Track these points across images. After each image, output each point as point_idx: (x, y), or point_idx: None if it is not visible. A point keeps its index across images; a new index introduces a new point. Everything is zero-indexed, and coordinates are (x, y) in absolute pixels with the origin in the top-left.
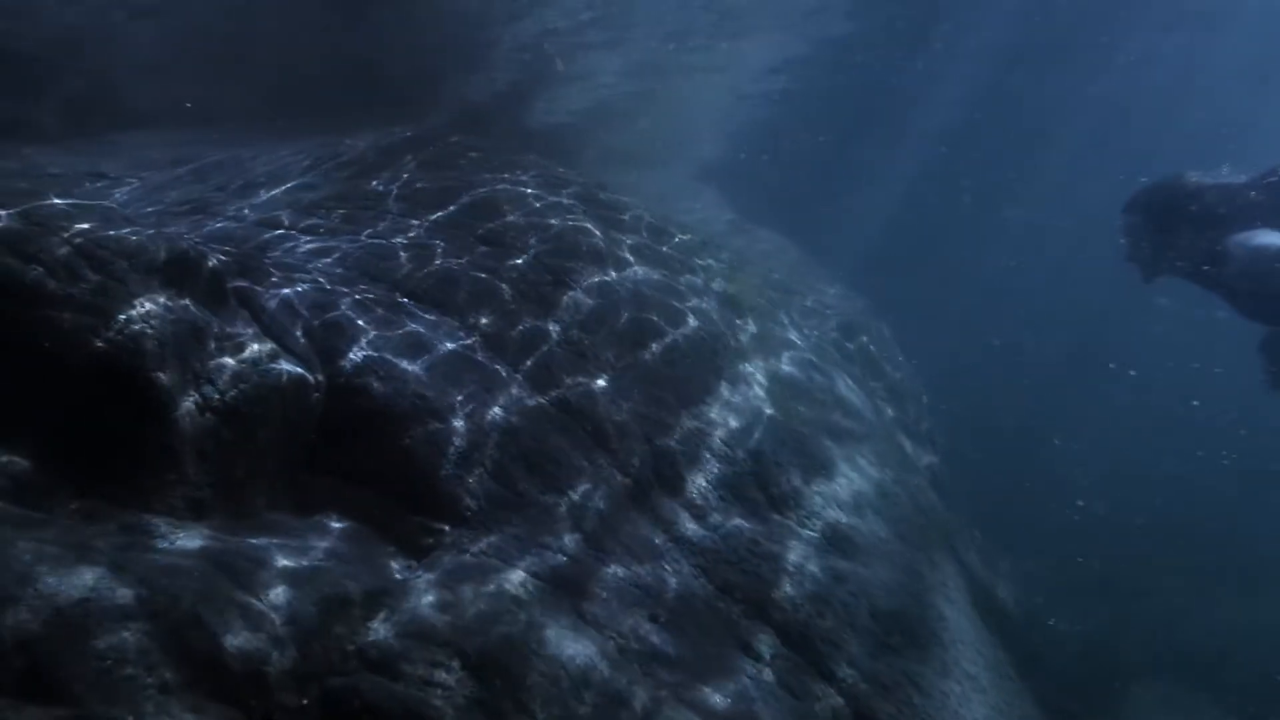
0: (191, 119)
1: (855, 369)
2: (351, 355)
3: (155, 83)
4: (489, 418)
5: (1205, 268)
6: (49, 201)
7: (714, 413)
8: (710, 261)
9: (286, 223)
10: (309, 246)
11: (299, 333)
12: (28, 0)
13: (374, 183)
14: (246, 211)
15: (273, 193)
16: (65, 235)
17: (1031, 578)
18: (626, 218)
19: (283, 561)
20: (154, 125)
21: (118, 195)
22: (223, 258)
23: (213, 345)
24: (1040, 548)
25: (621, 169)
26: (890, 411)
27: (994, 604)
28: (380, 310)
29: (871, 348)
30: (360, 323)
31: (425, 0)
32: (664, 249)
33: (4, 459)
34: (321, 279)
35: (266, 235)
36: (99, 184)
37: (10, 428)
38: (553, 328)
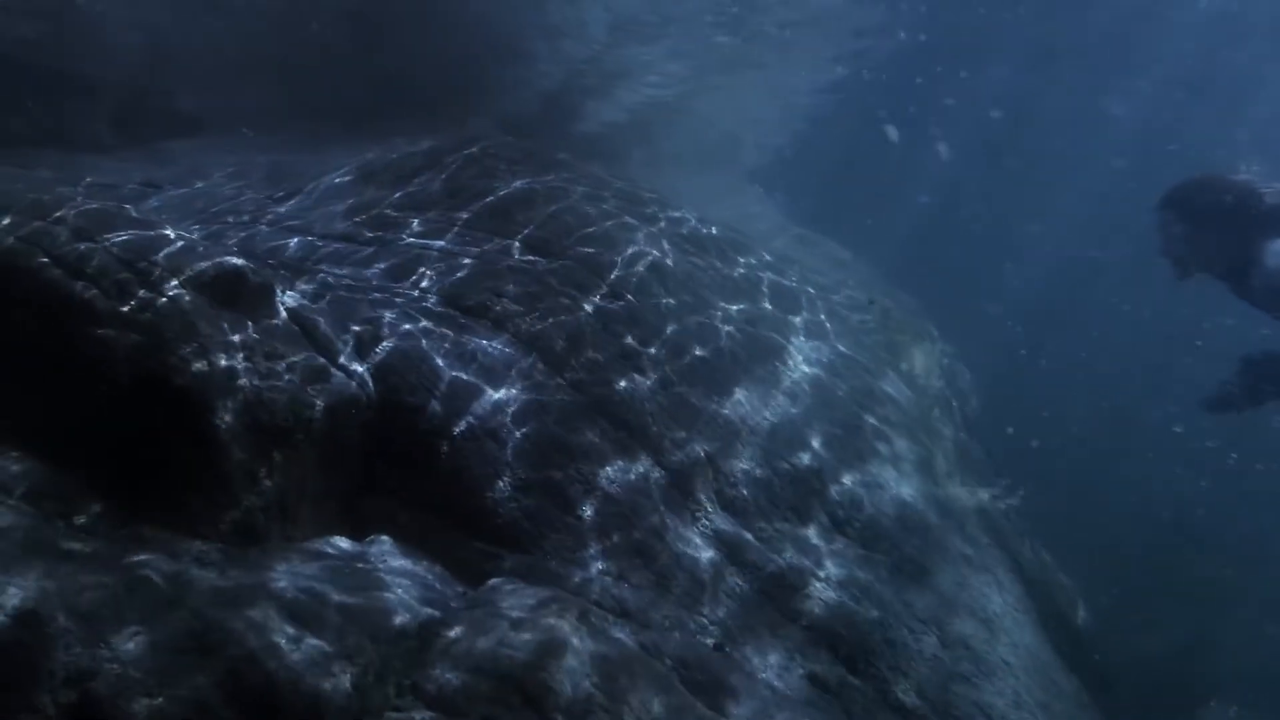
0: (239, 125)
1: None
2: (403, 370)
3: (204, 91)
4: (545, 436)
5: (1236, 270)
6: (103, 214)
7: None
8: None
9: (335, 231)
10: (358, 255)
11: (349, 347)
12: (85, 19)
13: (421, 189)
14: (295, 221)
15: (320, 201)
16: (116, 252)
17: (1101, 595)
18: (708, 237)
19: (337, 597)
20: (203, 132)
21: (168, 204)
22: (272, 271)
23: (263, 364)
24: (1113, 566)
25: (672, 172)
26: (950, 430)
27: (1064, 623)
28: (430, 322)
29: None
30: (411, 336)
31: (466, 7)
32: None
33: (55, 479)
34: (372, 290)
35: (316, 245)
36: (150, 194)
37: (60, 447)
38: (608, 336)
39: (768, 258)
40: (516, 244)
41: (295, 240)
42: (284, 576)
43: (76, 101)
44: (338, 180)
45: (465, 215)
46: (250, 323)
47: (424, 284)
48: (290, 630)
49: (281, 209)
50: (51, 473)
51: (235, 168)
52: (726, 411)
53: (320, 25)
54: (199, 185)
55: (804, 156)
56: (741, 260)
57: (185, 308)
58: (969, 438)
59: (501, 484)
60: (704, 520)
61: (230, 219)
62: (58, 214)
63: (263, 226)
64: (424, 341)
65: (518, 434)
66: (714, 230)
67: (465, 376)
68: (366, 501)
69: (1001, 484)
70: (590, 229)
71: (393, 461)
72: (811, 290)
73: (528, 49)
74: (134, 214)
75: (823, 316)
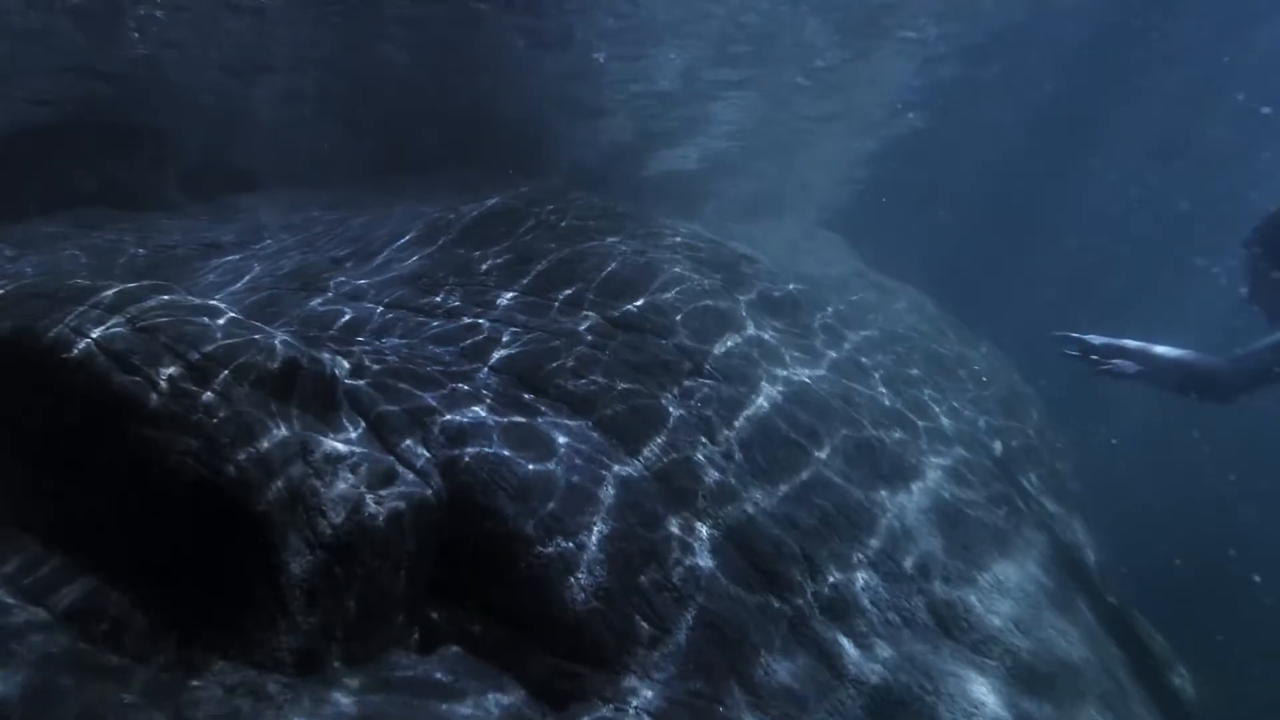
0: (304, 180)
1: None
2: (474, 466)
3: (269, 146)
4: (629, 538)
5: None
6: (153, 297)
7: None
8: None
9: (399, 302)
10: (423, 328)
11: (418, 441)
12: (151, 76)
13: (490, 256)
14: (358, 287)
15: (384, 267)
16: (172, 345)
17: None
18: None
19: None
20: (269, 187)
21: (228, 268)
22: (335, 358)
23: (324, 465)
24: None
25: (743, 218)
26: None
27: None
28: (501, 406)
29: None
30: (481, 424)
31: (535, 59)
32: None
33: (102, 593)
34: (438, 368)
35: (378, 315)
36: (211, 255)
37: (109, 557)
38: (690, 423)
39: (872, 334)
40: (592, 316)
41: (358, 310)
42: (348, 710)
43: (145, 159)
44: (401, 242)
45: (536, 282)
46: (310, 418)
47: (493, 360)
48: None
49: (342, 274)
50: (96, 585)
51: (297, 225)
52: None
53: (391, 82)
54: (260, 245)
55: (880, 200)
56: (850, 336)
57: (238, 406)
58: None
59: (581, 592)
60: (802, 628)
61: (291, 284)
62: (105, 296)
63: (325, 294)
64: (495, 431)
65: (598, 534)
66: (798, 294)
67: (539, 469)
68: (433, 609)
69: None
70: (674, 299)
71: (462, 566)
72: (930, 394)
73: (600, 103)
74: (187, 298)
75: (945, 421)
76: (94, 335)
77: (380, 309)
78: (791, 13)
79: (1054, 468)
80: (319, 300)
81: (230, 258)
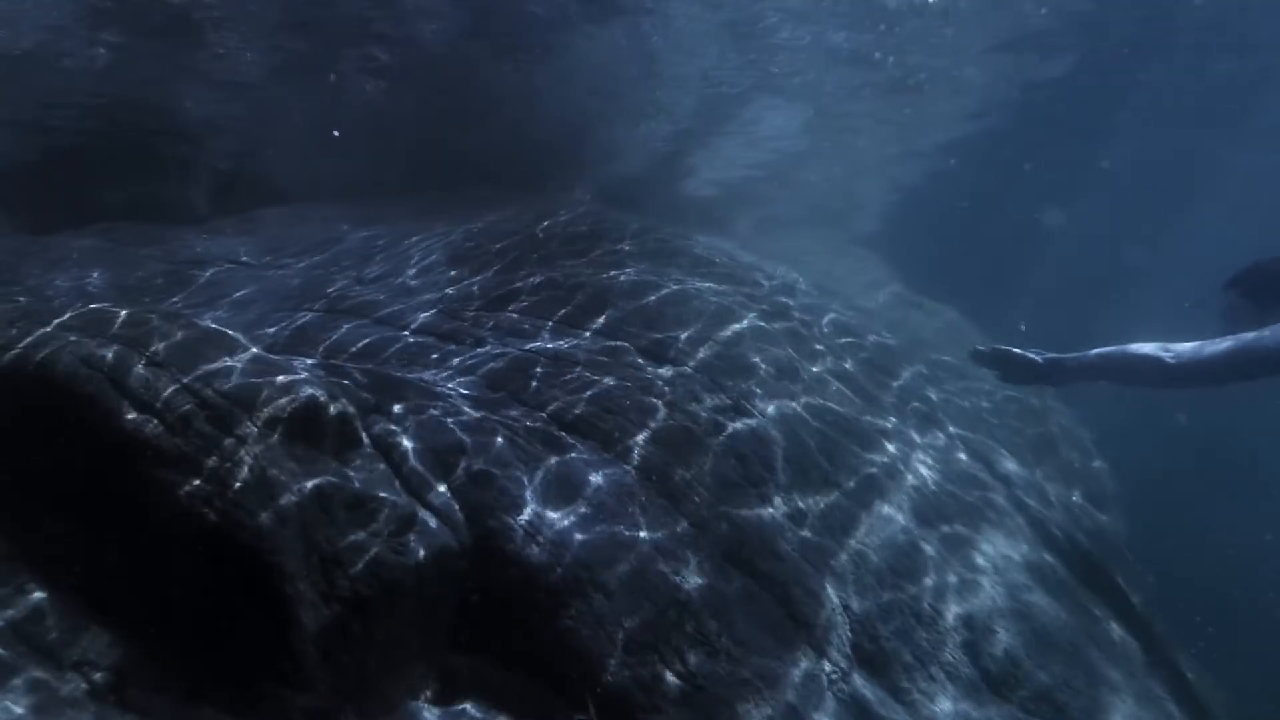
0: (333, 193)
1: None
2: (501, 511)
3: (298, 160)
4: (665, 589)
5: None
6: (173, 334)
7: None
8: None
9: (427, 327)
10: (453, 361)
11: (442, 482)
12: (174, 92)
13: (523, 277)
14: (383, 309)
15: (413, 290)
16: (188, 382)
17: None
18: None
19: None
20: (297, 200)
21: (253, 284)
22: (357, 393)
23: (341, 512)
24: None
25: (780, 236)
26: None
27: None
28: (534, 448)
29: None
30: (511, 468)
31: (574, 69)
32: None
33: (105, 640)
34: (467, 406)
35: (403, 342)
36: (238, 272)
37: (113, 603)
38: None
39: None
40: (629, 348)
41: (381, 336)
42: None
43: (173, 173)
44: (429, 261)
45: (568, 310)
46: (329, 459)
47: (523, 394)
48: None
49: (369, 296)
50: (99, 631)
51: (324, 242)
52: (873, 557)
53: (420, 97)
54: (286, 262)
55: (920, 216)
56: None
57: (253, 448)
58: None
59: (610, 644)
60: (840, 685)
61: (316, 306)
62: (120, 327)
63: (350, 319)
64: (524, 471)
65: (630, 584)
66: (837, 321)
67: (570, 512)
68: (454, 658)
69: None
70: (718, 331)
71: (485, 613)
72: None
73: (636, 111)
74: (206, 328)
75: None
76: (106, 369)
77: (406, 335)
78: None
79: (1101, 520)
80: (345, 325)
81: (256, 275)
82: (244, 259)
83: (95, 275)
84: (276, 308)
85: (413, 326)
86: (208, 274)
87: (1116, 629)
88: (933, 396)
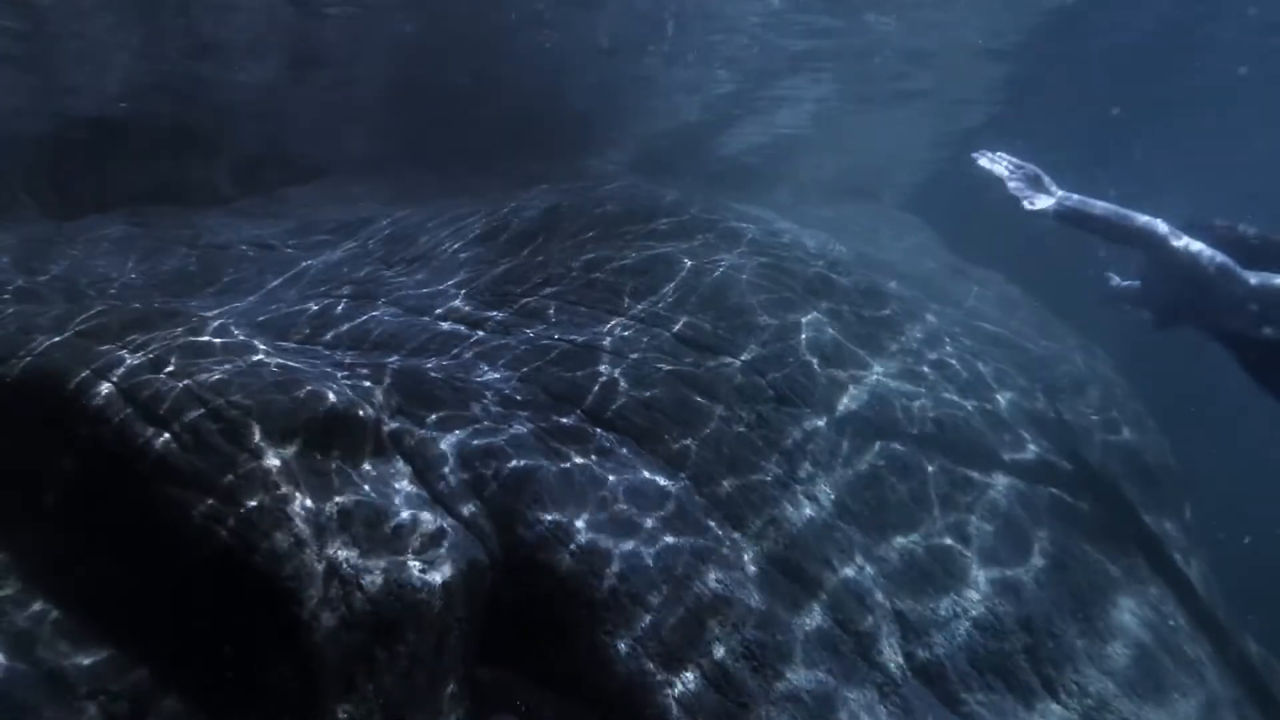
0: (360, 171)
1: None
2: (534, 519)
3: (324, 138)
4: (709, 602)
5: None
6: (188, 341)
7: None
8: None
9: (457, 314)
10: (483, 350)
11: (471, 489)
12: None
13: (556, 259)
14: (412, 298)
15: (441, 274)
16: (195, 389)
17: None
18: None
19: None
20: (323, 178)
21: (280, 271)
22: (383, 395)
23: (363, 529)
24: None
25: (820, 202)
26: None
27: None
28: (569, 450)
29: None
30: (545, 472)
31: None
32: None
33: (122, 666)
34: (497, 405)
35: (434, 331)
36: (264, 259)
37: (129, 626)
38: (783, 472)
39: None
40: (667, 335)
41: (411, 324)
42: None
43: (197, 155)
44: (459, 245)
45: (604, 295)
46: (350, 469)
47: (556, 388)
48: None
49: (397, 281)
50: (116, 656)
51: (350, 224)
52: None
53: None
54: (312, 245)
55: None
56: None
57: (268, 463)
58: None
59: (649, 661)
60: (893, 697)
61: (343, 291)
62: (133, 333)
63: (378, 307)
64: (557, 476)
65: (672, 597)
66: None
67: (606, 518)
68: (485, 674)
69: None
70: (759, 316)
71: (517, 627)
72: None
73: (665, 80)
74: (221, 333)
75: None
76: (116, 379)
77: (436, 323)
78: None
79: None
80: (373, 313)
81: (282, 259)
82: (270, 242)
83: (129, 264)
84: (304, 295)
85: (442, 313)
86: (234, 257)
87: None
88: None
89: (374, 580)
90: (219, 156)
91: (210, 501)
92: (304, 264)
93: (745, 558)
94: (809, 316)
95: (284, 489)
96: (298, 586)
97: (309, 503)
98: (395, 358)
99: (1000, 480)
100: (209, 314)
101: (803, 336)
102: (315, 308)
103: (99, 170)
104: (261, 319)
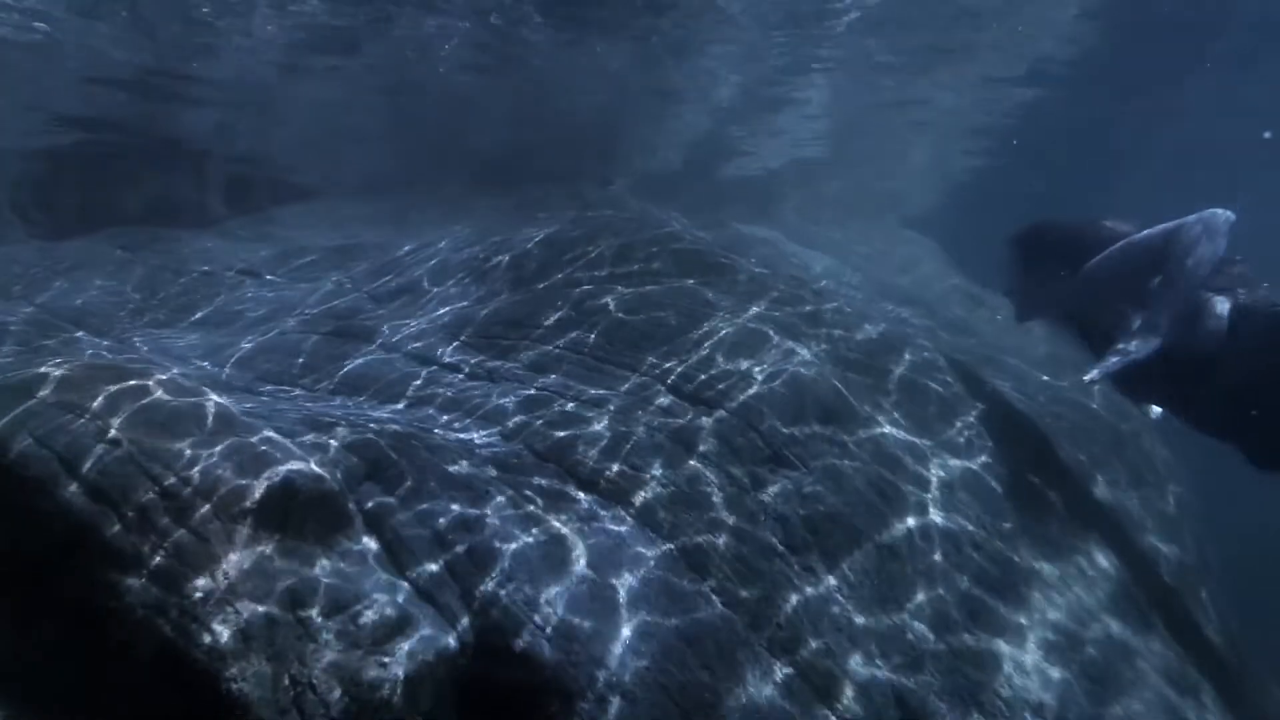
0: (351, 190)
1: None
2: (506, 601)
3: (315, 159)
4: (691, 686)
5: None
6: (139, 402)
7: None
8: None
9: (439, 357)
10: (464, 399)
11: (441, 566)
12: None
13: (546, 301)
14: (394, 334)
15: (429, 311)
16: (147, 467)
17: None
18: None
19: None
20: (314, 197)
21: (262, 301)
22: (349, 460)
23: (319, 621)
24: None
25: (829, 221)
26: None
27: None
28: (552, 521)
29: None
30: (518, 543)
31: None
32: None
33: None
34: (472, 466)
35: (413, 375)
36: (247, 286)
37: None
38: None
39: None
40: (659, 388)
41: (389, 367)
42: None
43: (188, 175)
44: (449, 283)
45: (593, 340)
46: (310, 546)
47: (538, 444)
48: None
49: (382, 318)
50: None
51: (338, 249)
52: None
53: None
54: (298, 272)
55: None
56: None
57: (216, 547)
58: None
59: None
60: None
61: (326, 328)
62: (82, 394)
63: (361, 348)
64: (535, 549)
65: (655, 683)
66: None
67: (585, 597)
68: None
69: None
70: (756, 364)
71: (485, 713)
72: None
73: (674, 94)
74: (176, 390)
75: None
76: (59, 449)
77: (417, 366)
78: None
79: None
80: (356, 358)
81: (265, 286)
82: (254, 268)
83: (106, 286)
84: (282, 332)
85: (425, 355)
86: (217, 284)
87: None
88: None
89: (329, 682)
90: (209, 176)
91: (153, 590)
92: (286, 294)
93: (735, 636)
94: (806, 363)
95: (232, 576)
96: (244, 691)
97: (259, 591)
98: (368, 407)
99: None
100: (169, 363)
101: (805, 395)
102: (291, 347)
103: (85, 190)
104: (237, 356)
